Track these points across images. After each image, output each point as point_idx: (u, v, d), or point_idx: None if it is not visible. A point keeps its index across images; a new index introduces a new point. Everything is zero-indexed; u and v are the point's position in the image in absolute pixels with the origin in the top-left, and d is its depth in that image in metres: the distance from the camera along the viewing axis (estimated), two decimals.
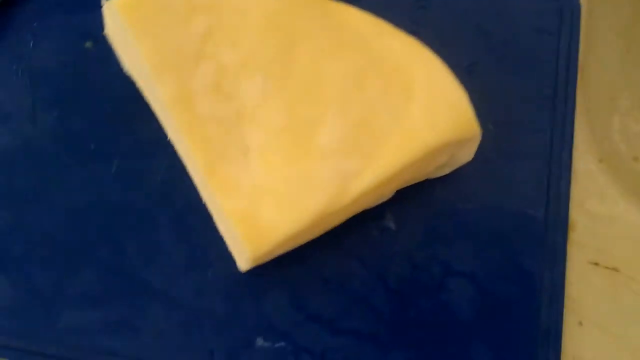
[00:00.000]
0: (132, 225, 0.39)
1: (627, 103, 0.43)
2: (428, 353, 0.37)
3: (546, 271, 0.38)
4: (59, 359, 0.36)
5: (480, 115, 0.35)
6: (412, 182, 0.38)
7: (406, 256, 0.39)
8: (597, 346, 0.38)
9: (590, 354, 0.38)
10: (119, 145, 0.40)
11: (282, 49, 0.34)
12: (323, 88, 0.34)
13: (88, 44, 0.42)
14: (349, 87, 0.34)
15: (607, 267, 0.39)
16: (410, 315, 0.37)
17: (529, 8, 0.43)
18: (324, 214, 0.33)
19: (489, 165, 0.40)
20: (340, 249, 0.38)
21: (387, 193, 0.38)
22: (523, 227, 0.39)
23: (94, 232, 0.38)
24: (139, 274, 0.38)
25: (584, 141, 0.42)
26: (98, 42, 0.42)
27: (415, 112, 0.34)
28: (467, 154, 0.37)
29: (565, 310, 0.38)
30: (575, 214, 0.40)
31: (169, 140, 0.39)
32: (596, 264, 0.39)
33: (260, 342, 0.37)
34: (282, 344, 0.37)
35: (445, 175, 0.39)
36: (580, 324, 0.38)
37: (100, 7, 0.36)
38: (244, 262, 0.35)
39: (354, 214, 0.36)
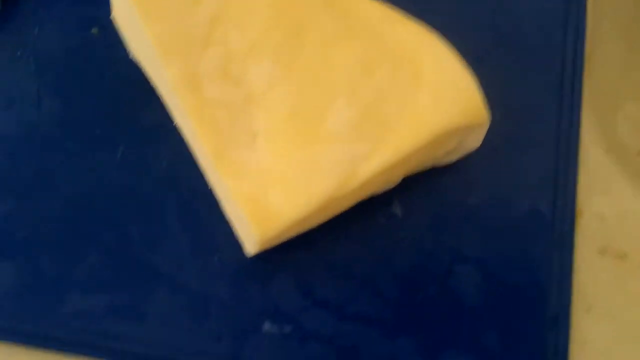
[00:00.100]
0: (138, 211, 0.38)
1: (633, 93, 0.43)
2: (436, 339, 0.37)
3: (554, 259, 0.38)
4: (64, 343, 0.36)
5: (488, 104, 0.35)
6: (420, 169, 0.38)
7: (413, 243, 0.38)
8: (605, 333, 0.38)
9: (599, 340, 0.37)
10: (125, 131, 0.40)
11: (290, 34, 0.34)
12: (331, 73, 0.34)
13: (94, 30, 0.42)
14: (357, 72, 0.34)
15: (614, 255, 0.39)
16: (418, 301, 0.37)
17: None
18: (332, 198, 0.33)
19: (496, 154, 0.40)
20: (347, 235, 0.38)
21: (395, 179, 0.37)
22: (530, 215, 0.39)
23: (100, 218, 0.38)
24: (144, 259, 0.38)
25: (591, 131, 0.42)
26: (104, 28, 0.42)
27: (423, 97, 0.33)
28: (475, 141, 0.37)
29: (573, 297, 0.38)
30: (583, 202, 0.40)
31: (175, 126, 0.38)
32: (604, 251, 0.39)
33: (267, 327, 0.36)
34: (289, 329, 0.36)
35: (452, 163, 0.39)
36: (588, 310, 0.38)
37: None
38: (251, 246, 0.35)
39: (362, 199, 0.36)
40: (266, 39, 0.34)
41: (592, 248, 0.39)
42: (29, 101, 0.41)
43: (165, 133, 0.39)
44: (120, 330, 0.36)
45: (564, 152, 0.40)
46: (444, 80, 0.34)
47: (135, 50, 0.39)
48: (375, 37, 0.35)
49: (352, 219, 0.38)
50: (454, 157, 0.39)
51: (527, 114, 0.41)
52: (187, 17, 0.34)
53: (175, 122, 0.38)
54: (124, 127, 0.40)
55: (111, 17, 0.38)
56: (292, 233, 0.35)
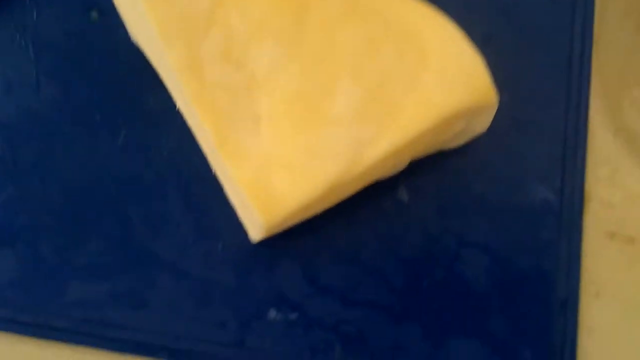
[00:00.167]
0: (140, 197, 0.38)
1: None
2: (442, 325, 0.36)
3: (562, 243, 0.38)
4: (66, 332, 0.36)
5: (495, 87, 0.34)
6: (426, 153, 0.38)
7: (419, 228, 0.38)
8: (613, 317, 0.37)
9: (607, 325, 0.37)
10: (126, 116, 0.39)
11: (293, 16, 0.34)
12: (336, 55, 0.33)
13: (93, 14, 0.41)
14: (363, 53, 0.33)
15: (623, 239, 0.39)
16: (424, 286, 0.37)
17: None
18: (338, 182, 0.32)
19: (503, 137, 0.39)
20: (352, 220, 0.38)
21: (401, 163, 0.37)
22: (538, 199, 0.38)
23: (101, 204, 0.38)
24: (147, 245, 0.37)
25: (599, 113, 0.41)
26: (103, 12, 0.41)
27: (430, 78, 0.33)
28: (482, 123, 0.37)
29: (581, 282, 0.37)
30: (591, 186, 0.40)
31: (177, 110, 0.38)
32: (613, 235, 0.39)
33: (272, 313, 0.36)
34: (295, 315, 0.36)
35: (459, 147, 0.39)
36: (597, 295, 0.38)
37: None
38: (256, 232, 0.35)
39: (368, 184, 0.36)
40: (269, 20, 0.33)
41: (600, 232, 0.39)
42: (28, 86, 0.40)
43: (168, 118, 0.39)
44: (122, 318, 0.36)
45: (571, 136, 0.40)
46: (451, 60, 0.33)
47: (136, 34, 0.38)
48: (380, 17, 0.34)
49: (358, 204, 0.37)
50: (460, 141, 0.38)
51: (535, 97, 0.40)
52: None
53: (177, 107, 0.38)
54: (125, 112, 0.39)
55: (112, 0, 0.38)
56: (297, 219, 0.35)
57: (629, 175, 0.40)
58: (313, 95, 0.33)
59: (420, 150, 0.37)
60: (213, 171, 0.37)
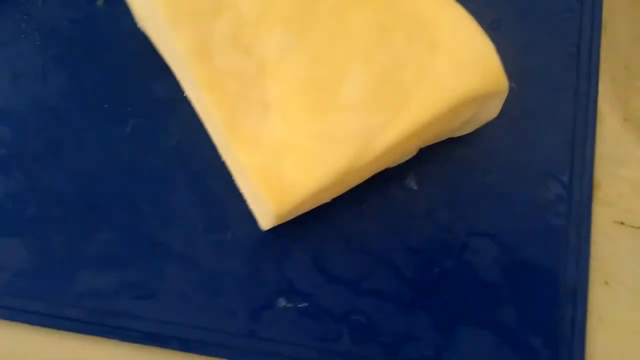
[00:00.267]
0: (149, 186, 0.38)
1: None
2: (452, 313, 0.36)
3: (571, 231, 0.38)
4: (77, 322, 0.36)
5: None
6: (436, 140, 0.38)
7: (428, 216, 0.38)
8: (622, 305, 0.37)
9: (616, 313, 0.37)
10: (134, 105, 0.39)
11: (303, 1, 0.33)
12: (345, 41, 0.33)
13: (99, 2, 0.41)
14: (373, 39, 0.33)
15: (632, 226, 0.39)
16: (434, 275, 0.37)
17: None
18: (349, 169, 0.32)
19: (512, 124, 0.39)
20: (361, 209, 0.38)
21: (411, 150, 0.37)
22: (547, 186, 0.38)
23: (110, 193, 0.38)
24: (156, 235, 0.37)
25: (609, 100, 0.41)
26: (109, 0, 0.41)
27: (441, 64, 0.33)
28: (492, 110, 0.36)
29: (590, 270, 0.37)
30: (601, 173, 0.39)
31: (185, 98, 0.38)
32: (622, 223, 0.39)
33: (282, 302, 0.36)
34: (305, 304, 0.36)
35: (467, 135, 0.39)
36: (606, 283, 0.38)
37: None
38: (266, 220, 0.35)
39: (378, 171, 0.36)
40: (278, 5, 0.33)
41: (609, 221, 0.39)
42: (35, 75, 0.40)
43: (176, 106, 0.39)
44: (132, 308, 0.36)
45: (580, 124, 0.39)
46: (462, 45, 0.33)
47: (143, 21, 0.38)
48: (390, 3, 0.34)
49: (367, 192, 0.37)
50: (470, 128, 0.38)
51: (543, 85, 0.40)
52: None
53: (185, 94, 0.37)
54: (133, 101, 0.39)
55: None
56: (307, 207, 0.35)
57: (638, 164, 0.40)
58: (323, 81, 0.33)
59: (429, 138, 0.37)
60: (222, 159, 0.37)
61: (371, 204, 0.38)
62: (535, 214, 0.38)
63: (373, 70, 0.33)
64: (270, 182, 0.32)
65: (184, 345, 0.35)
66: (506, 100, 0.36)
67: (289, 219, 0.35)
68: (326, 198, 0.35)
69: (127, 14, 0.39)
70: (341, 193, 0.36)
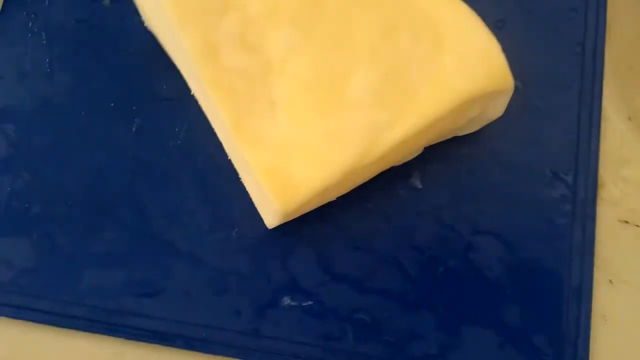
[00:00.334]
0: (154, 185, 0.38)
1: None
2: (456, 312, 0.36)
3: (576, 230, 0.38)
4: (82, 320, 0.36)
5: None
6: (441, 139, 0.38)
7: (433, 215, 0.38)
8: (627, 304, 0.37)
9: (621, 312, 0.37)
10: (140, 103, 0.39)
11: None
12: (352, 39, 0.33)
13: (106, 1, 0.41)
14: (379, 37, 0.33)
15: (637, 225, 0.39)
16: (438, 274, 0.37)
17: None
18: (355, 168, 0.32)
19: (517, 123, 0.39)
20: (366, 208, 0.38)
21: (416, 149, 0.37)
22: (552, 185, 0.38)
23: (115, 192, 0.38)
24: (162, 233, 0.37)
25: (613, 99, 0.41)
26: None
27: (447, 62, 0.33)
28: (497, 109, 0.36)
29: (595, 269, 0.37)
30: (605, 172, 0.39)
31: (191, 97, 0.38)
32: (626, 222, 0.39)
33: (287, 301, 0.36)
34: (309, 303, 0.36)
35: (472, 134, 0.39)
36: (611, 282, 0.38)
37: None
38: (271, 219, 0.35)
39: (384, 169, 0.36)
40: (285, 4, 0.33)
41: (613, 220, 0.39)
42: (41, 74, 0.40)
43: (182, 104, 0.39)
44: (137, 306, 0.36)
45: (585, 123, 0.39)
46: (468, 43, 0.33)
47: (150, 19, 0.38)
48: (396, 1, 0.34)
49: (371, 191, 0.37)
50: (475, 127, 0.38)
51: (548, 83, 0.40)
52: None
53: (192, 93, 0.37)
54: (139, 99, 0.39)
55: None
56: (313, 205, 0.35)
57: None
58: (329, 79, 0.33)
59: (434, 136, 0.37)
60: (228, 158, 0.37)
61: (376, 202, 0.38)
62: (539, 213, 0.38)
63: (379, 68, 0.33)
64: (276, 181, 0.32)
65: (188, 344, 0.36)
66: (511, 99, 0.36)
67: (294, 217, 0.35)
68: (332, 196, 0.35)
69: (133, 13, 0.39)
70: (347, 191, 0.36)
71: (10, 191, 0.38)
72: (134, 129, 0.39)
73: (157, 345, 0.36)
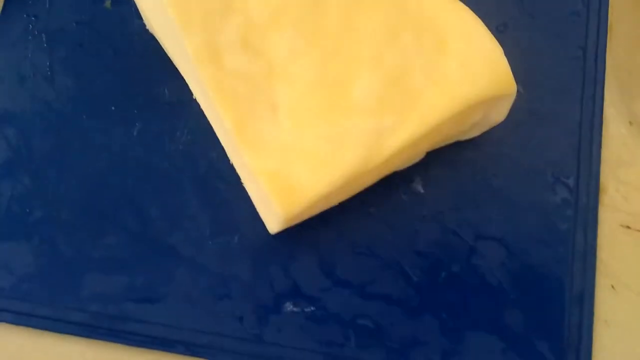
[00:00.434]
0: (156, 189, 0.38)
1: None
2: (459, 317, 0.36)
3: (578, 235, 0.38)
4: (83, 326, 0.36)
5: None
6: (444, 144, 0.38)
7: (435, 220, 0.38)
8: (629, 309, 0.37)
9: (623, 317, 0.37)
10: (141, 107, 0.39)
11: (312, 3, 0.33)
12: (355, 43, 0.33)
13: (106, 3, 0.41)
14: (382, 41, 0.33)
15: (638, 230, 0.39)
16: (441, 279, 0.37)
17: None
18: (358, 172, 0.32)
19: (518, 128, 0.39)
20: (368, 213, 0.38)
21: (419, 154, 0.37)
22: (554, 190, 0.38)
23: (116, 197, 0.38)
24: (163, 238, 0.37)
25: (614, 103, 0.41)
26: (117, 1, 0.41)
27: (450, 67, 0.33)
28: (500, 113, 0.36)
29: (597, 274, 0.37)
30: (607, 177, 0.39)
31: (193, 101, 0.38)
32: (628, 227, 0.39)
33: (289, 307, 0.36)
34: (312, 309, 0.36)
35: (474, 139, 0.39)
36: (613, 287, 0.38)
37: None
38: (274, 224, 0.34)
39: (387, 174, 0.36)
40: (287, 7, 0.33)
41: (615, 225, 0.39)
42: (42, 77, 0.40)
43: (184, 108, 0.39)
44: (139, 312, 0.36)
45: (587, 128, 0.39)
46: (471, 48, 0.33)
47: (151, 22, 0.38)
48: (399, 5, 0.34)
49: (374, 196, 0.37)
50: (477, 132, 0.38)
51: (550, 88, 0.40)
52: None
53: (193, 97, 0.37)
54: (141, 103, 0.39)
55: None
56: (316, 210, 0.35)
57: None
58: (332, 83, 0.33)
59: (437, 141, 0.37)
60: (230, 162, 0.36)
61: (378, 207, 0.38)
62: (541, 217, 0.38)
63: (382, 72, 0.33)
64: (279, 186, 0.32)
65: (190, 350, 0.35)
66: (513, 103, 0.36)
67: (297, 222, 0.35)
68: (334, 201, 0.35)
69: (134, 16, 0.39)
70: (349, 196, 0.36)
71: (11, 196, 0.37)
72: (135, 132, 0.39)
73: (159, 351, 0.36)
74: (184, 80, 0.38)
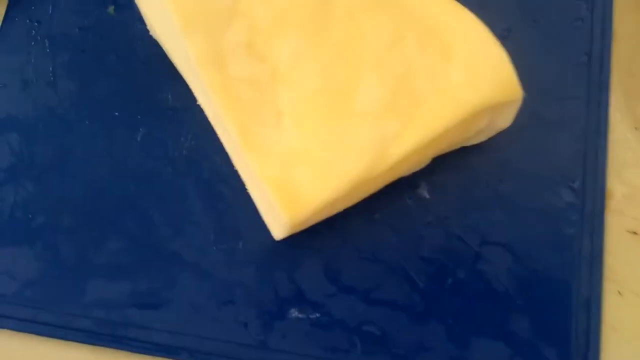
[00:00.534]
0: (160, 195, 0.38)
1: None
2: (465, 323, 0.36)
3: (584, 240, 0.37)
4: (86, 333, 0.35)
5: None
6: (449, 149, 0.37)
7: (441, 226, 0.38)
8: (636, 315, 0.37)
9: (630, 322, 0.37)
10: (145, 112, 0.39)
11: (316, 8, 0.33)
12: (359, 48, 0.33)
13: (110, 9, 0.41)
14: (386, 46, 0.33)
15: None
16: (446, 285, 0.37)
17: None
18: (363, 179, 0.32)
19: (524, 133, 0.39)
20: (374, 219, 0.38)
21: (425, 160, 0.36)
22: (560, 195, 0.38)
23: (120, 202, 0.37)
24: (167, 244, 0.37)
25: (619, 109, 0.41)
26: (120, 7, 0.41)
27: (456, 72, 0.32)
28: (506, 119, 0.36)
29: (604, 280, 0.37)
30: (613, 183, 0.39)
31: (197, 106, 0.37)
32: (634, 232, 0.38)
33: (294, 313, 0.36)
34: (317, 315, 0.36)
35: (479, 144, 0.38)
36: (620, 293, 0.37)
37: None
38: (279, 230, 0.34)
39: (392, 180, 0.35)
40: (292, 12, 0.33)
41: (622, 230, 0.39)
42: (45, 82, 0.40)
43: (187, 114, 0.38)
44: (142, 318, 0.35)
45: (592, 133, 0.39)
46: (476, 54, 0.33)
47: (154, 28, 0.38)
48: (404, 10, 0.34)
49: (379, 201, 0.37)
50: (483, 137, 0.38)
51: (555, 92, 0.40)
52: None
53: (197, 102, 0.37)
54: (144, 108, 0.39)
55: None
56: (321, 216, 0.34)
57: None
58: (336, 89, 0.32)
59: (443, 147, 0.36)
60: (234, 168, 0.36)
61: (383, 213, 0.38)
62: (547, 223, 0.38)
63: (387, 78, 0.32)
64: (283, 192, 0.31)
65: (194, 356, 0.35)
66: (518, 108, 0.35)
67: (302, 228, 0.35)
68: (339, 207, 0.35)
69: (137, 21, 0.39)
70: (354, 203, 0.35)
71: (14, 201, 0.37)
72: (138, 138, 0.39)
73: (163, 358, 0.35)
74: (188, 85, 0.38)
